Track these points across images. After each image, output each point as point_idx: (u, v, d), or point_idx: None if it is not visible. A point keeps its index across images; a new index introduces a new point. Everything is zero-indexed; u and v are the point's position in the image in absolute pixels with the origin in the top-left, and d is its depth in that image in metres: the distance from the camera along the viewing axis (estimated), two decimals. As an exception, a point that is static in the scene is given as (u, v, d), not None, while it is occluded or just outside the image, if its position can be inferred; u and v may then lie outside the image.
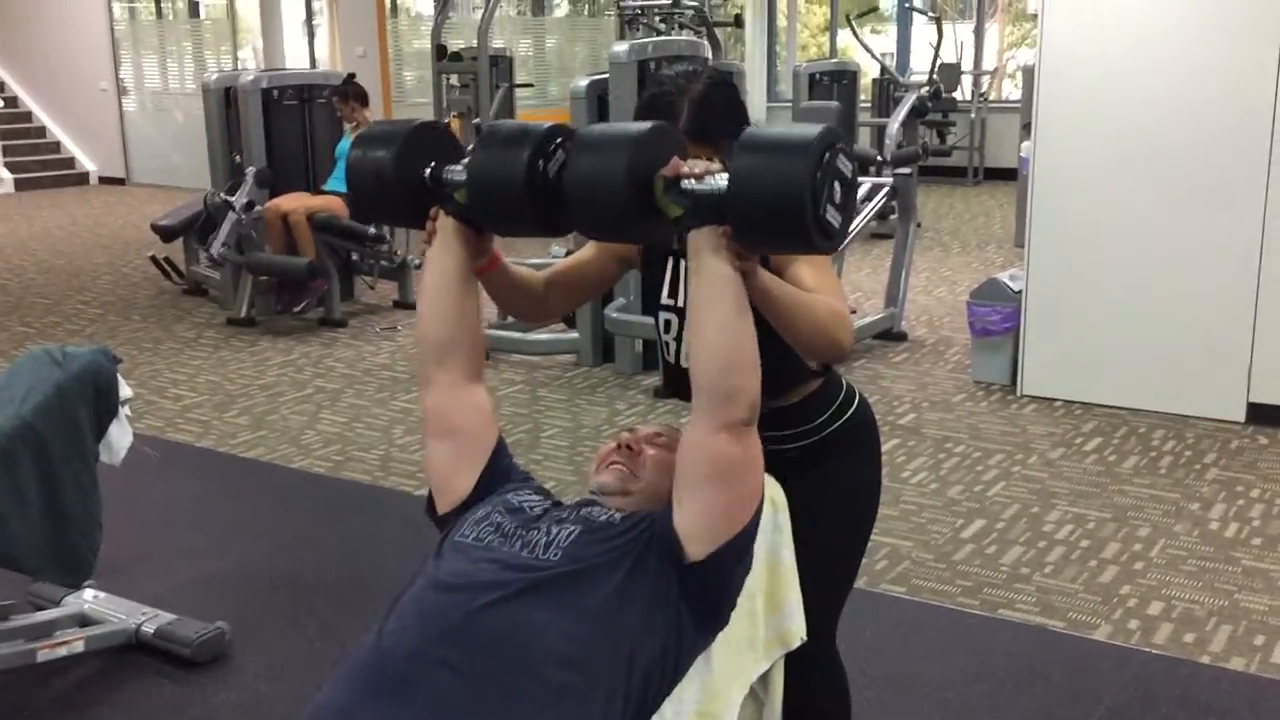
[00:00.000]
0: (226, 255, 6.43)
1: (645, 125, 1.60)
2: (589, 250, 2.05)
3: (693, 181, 1.54)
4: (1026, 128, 5.80)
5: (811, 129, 1.50)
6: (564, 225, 1.72)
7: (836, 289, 1.82)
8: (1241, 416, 4.56)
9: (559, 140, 1.68)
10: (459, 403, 1.78)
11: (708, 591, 1.60)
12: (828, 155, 1.47)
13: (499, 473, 1.79)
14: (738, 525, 1.59)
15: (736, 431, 1.55)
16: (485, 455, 1.78)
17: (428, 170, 1.76)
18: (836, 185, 1.49)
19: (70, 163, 13.64)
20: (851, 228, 5.62)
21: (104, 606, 3.03)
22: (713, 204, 1.52)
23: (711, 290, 1.55)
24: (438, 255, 1.79)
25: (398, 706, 1.42)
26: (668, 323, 2.00)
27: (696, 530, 1.57)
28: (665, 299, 1.99)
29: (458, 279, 1.78)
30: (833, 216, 1.49)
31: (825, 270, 1.82)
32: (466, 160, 1.74)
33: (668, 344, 2.01)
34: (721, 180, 1.52)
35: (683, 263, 1.91)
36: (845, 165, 1.52)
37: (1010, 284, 5.17)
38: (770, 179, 1.46)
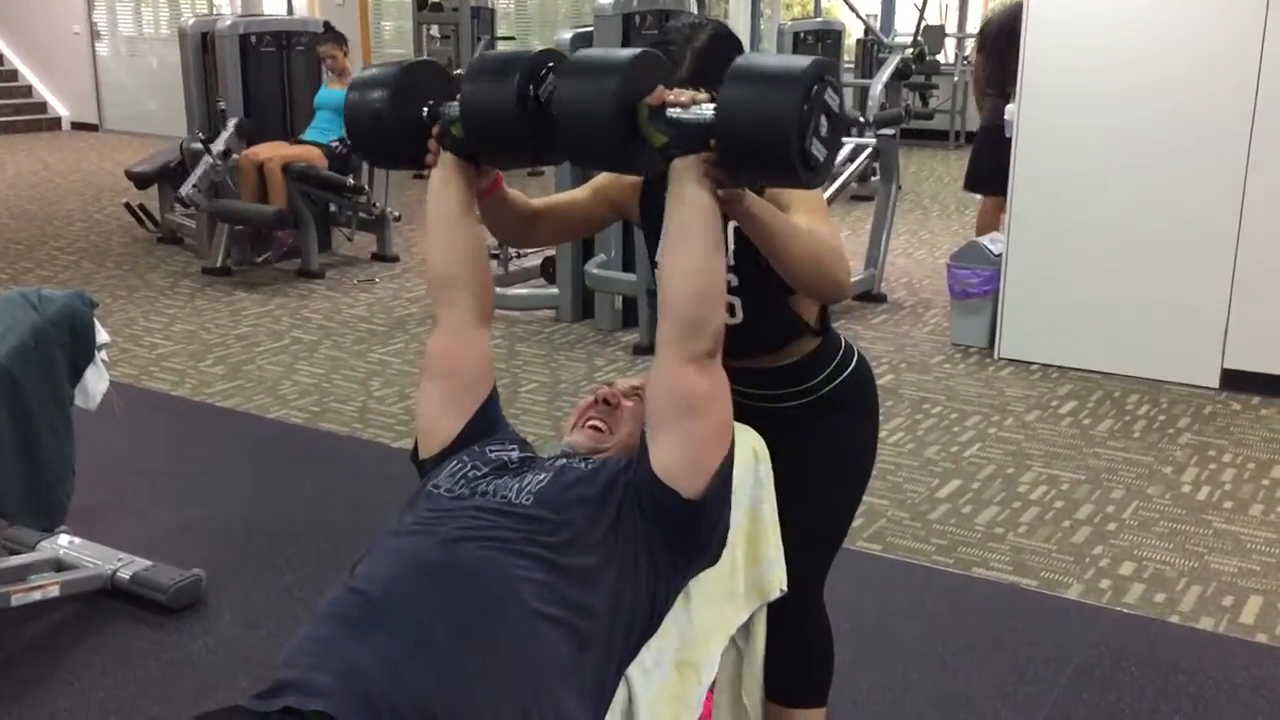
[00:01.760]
0: (194, 198, 6.34)
1: (633, 51, 1.59)
2: (584, 190, 2.05)
3: (678, 110, 1.53)
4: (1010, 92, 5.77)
5: (801, 60, 1.49)
6: (557, 154, 1.72)
7: (834, 233, 1.81)
8: (1216, 382, 4.60)
9: (549, 64, 1.67)
10: (462, 344, 1.78)
11: (700, 529, 1.61)
12: (816, 88, 1.46)
13: (487, 422, 1.79)
14: (716, 456, 1.60)
15: (702, 363, 1.56)
16: (477, 402, 1.78)
17: (425, 108, 1.75)
18: (824, 119, 1.48)
19: (42, 107, 13.44)
20: (838, 182, 5.61)
21: (79, 552, 3.01)
22: (698, 133, 1.51)
23: (690, 217, 1.55)
24: (438, 191, 1.79)
25: (378, 635, 1.41)
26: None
27: (678, 467, 1.57)
28: (659, 256, 1.98)
29: (459, 214, 1.78)
30: (818, 150, 1.49)
31: (822, 216, 1.81)
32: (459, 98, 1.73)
33: None
34: (708, 110, 1.51)
35: None
36: (833, 99, 1.51)
37: (990, 247, 5.19)
38: (758, 109, 1.44)
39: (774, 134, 1.44)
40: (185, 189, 6.36)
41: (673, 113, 1.53)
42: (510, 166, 1.84)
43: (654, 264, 1.98)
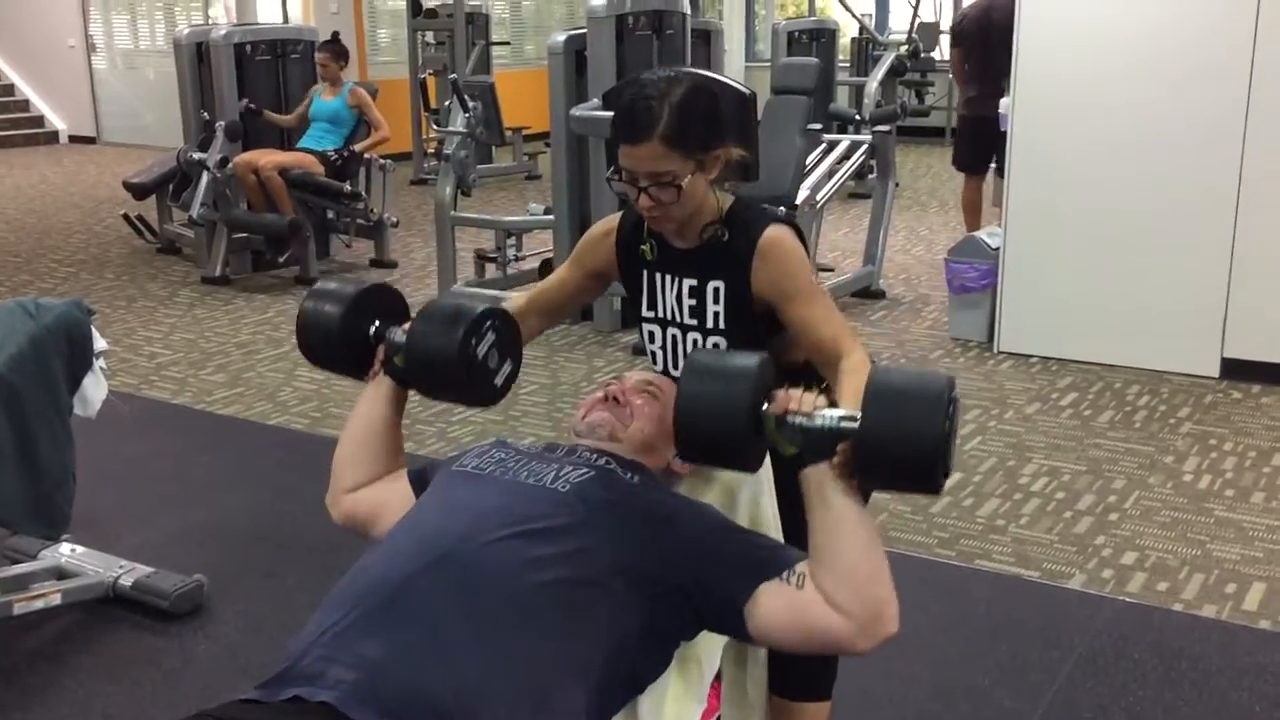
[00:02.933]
0: (207, 215, 6.36)
1: (755, 357, 1.57)
2: (567, 269, 2.08)
3: (802, 418, 1.51)
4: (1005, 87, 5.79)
5: (938, 378, 1.49)
6: (491, 398, 1.81)
7: (845, 325, 1.87)
8: (1216, 371, 4.60)
9: (489, 322, 1.76)
10: (366, 504, 1.79)
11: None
12: (952, 407, 1.47)
13: (428, 478, 1.76)
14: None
15: (878, 640, 1.49)
16: (408, 499, 1.75)
17: (373, 327, 1.85)
18: (952, 430, 1.48)
19: (39, 121, 13.45)
20: (834, 181, 5.61)
21: (81, 560, 3.01)
22: (826, 440, 1.50)
23: (840, 520, 1.49)
24: (369, 404, 1.85)
25: (393, 626, 1.40)
26: (651, 334, 2.02)
27: (763, 638, 1.55)
28: (645, 311, 2.01)
29: (384, 430, 1.84)
30: (954, 456, 1.50)
31: (829, 306, 1.88)
32: (406, 327, 1.81)
33: (654, 353, 2.02)
34: (833, 415, 1.50)
35: (658, 276, 1.97)
36: (959, 408, 1.52)
37: (988, 241, 5.19)
38: (904, 430, 1.44)
39: (924, 454, 1.44)
40: (195, 210, 6.36)
41: (795, 419, 1.52)
42: (442, 401, 1.99)
43: (641, 318, 2.01)
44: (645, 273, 1.98)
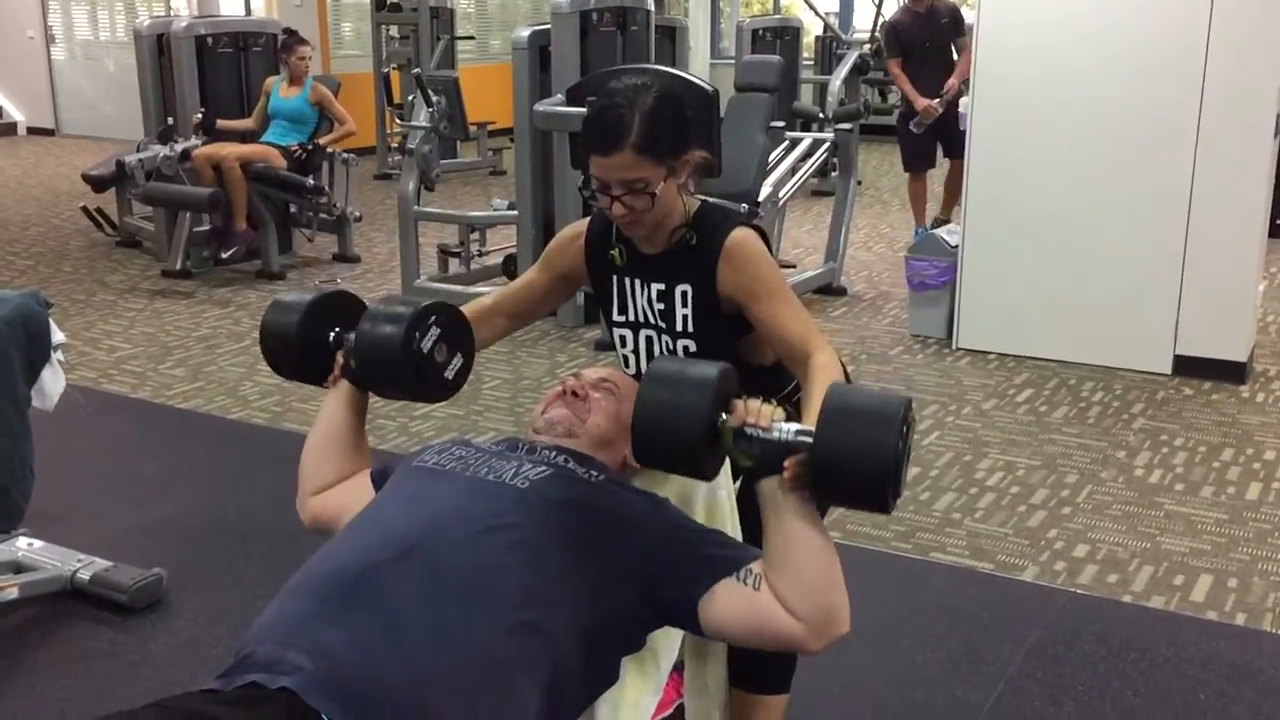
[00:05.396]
0: (134, 169, 6.33)
1: (716, 367, 1.58)
2: (536, 272, 2.10)
3: (758, 430, 1.53)
4: (965, 84, 5.86)
5: (895, 399, 1.50)
6: (442, 394, 1.86)
7: (812, 324, 1.90)
8: (1168, 368, 4.68)
9: (433, 318, 1.79)
10: (332, 507, 1.81)
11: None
12: (906, 428, 1.48)
13: (389, 475, 1.78)
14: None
15: (829, 640, 1.53)
16: (368, 493, 1.77)
17: (332, 334, 1.89)
18: (907, 450, 1.50)
19: (-3, 112, 13.27)
20: (796, 178, 5.66)
21: (38, 554, 2.99)
22: (780, 454, 1.52)
23: (793, 530, 1.51)
24: (330, 412, 1.89)
25: (354, 616, 1.40)
26: (622, 338, 2.03)
27: (716, 634, 1.58)
28: (616, 316, 2.02)
29: (347, 433, 1.88)
30: (904, 479, 1.51)
31: (796, 306, 1.90)
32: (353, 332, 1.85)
33: (626, 358, 2.04)
34: (788, 429, 1.52)
35: (628, 281, 1.98)
36: (913, 430, 1.54)
37: (948, 239, 5.24)
38: (859, 450, 1.45)
39: (874, 474, 1.45)
40: (129, 159, 6.31)
41: (751, 431, 1.53)
42: (396, 400, 2.03)
43: (611, 322, 2.02)
44: (615, 278, 2.00)
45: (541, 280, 2.10)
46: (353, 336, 1.85)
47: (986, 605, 2.97)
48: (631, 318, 2.01)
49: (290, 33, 6.80)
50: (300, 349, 1.89)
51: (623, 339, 2.03)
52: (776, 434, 1.53)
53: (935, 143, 6.83)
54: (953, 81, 6.57)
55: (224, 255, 6.54)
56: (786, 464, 1.51)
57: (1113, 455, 3.93)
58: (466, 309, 1.98)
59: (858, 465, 1.46)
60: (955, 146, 6.50)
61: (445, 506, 1.56)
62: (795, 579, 1.51)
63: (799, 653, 1.57)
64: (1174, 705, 2.55)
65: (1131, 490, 3.66)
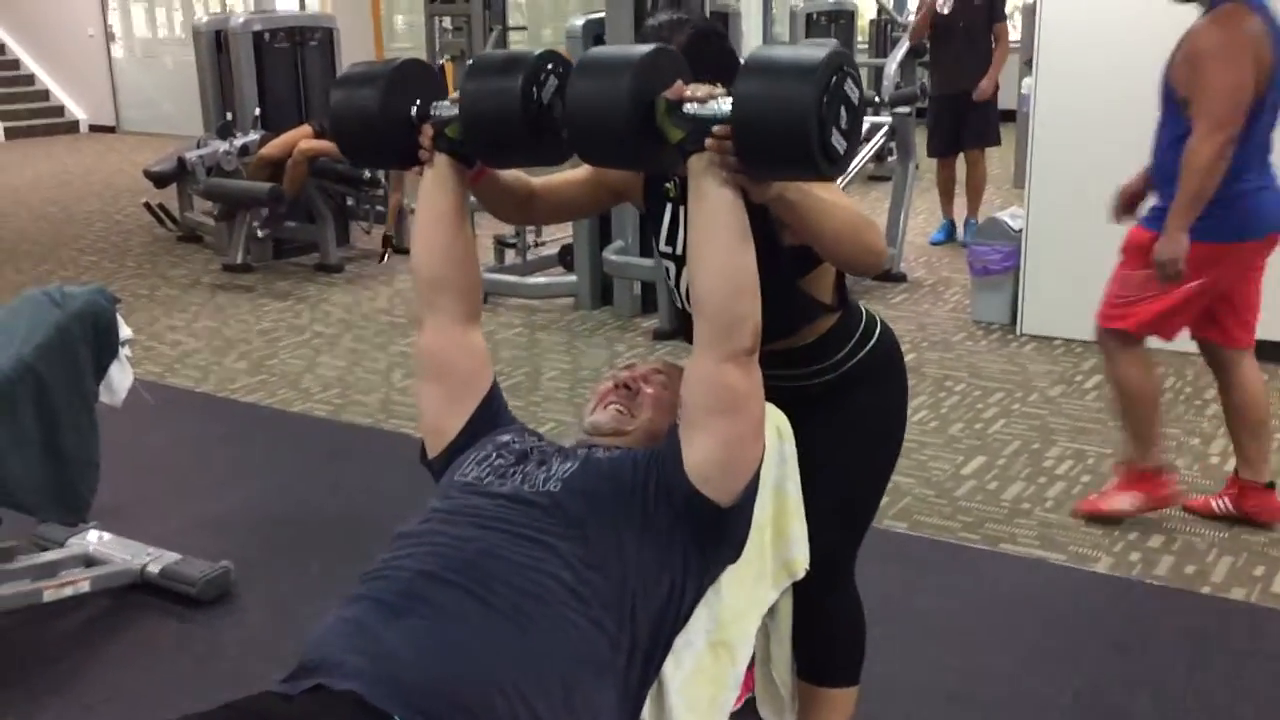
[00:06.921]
0: (195, 164, 6.37)
1: (648, 47, 1.56)
2: (583, 171, 2.00)
3: (695, 105, 1.50)
4: (1027, 65, 5.75)
5: (818, 51, 1.46)
6: (560, 154, 1.69)
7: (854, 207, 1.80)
8: (1241, 353, 4.54)
9: (550, 66, 1.65)
10: (452, 345, 1.76)
11: (731, 534, 1.61)
12: (835, 79, 1.43)
13: (490, 416, 1.78)
14: (753, 457, 1.59)
15: (741, 361, 1.53)
16: (477, 399, 1.77)
17: (414, 108, 1.73)
18: (843, 110, 1.45)
19: (60, 111, 13.52)
20: (854, 162, 5.59)
21: (108, 547, 3.03)
22: (715, 127, 1.49)
23: (713, 214, 1.51)
24: (430, 193, 1.77)
25: (411, 620, 1.41)
26: (668, 270, 1.98)
27: (714, 469, 1.55)
28: (664, 245, 1.97)
29: (451, 216, 1.77)
30: (838, 141, 1.45)
31: (838, 190, 1.79)
32: (457, 94, 1.70)
33: (672, 290, 2.00)
34: (725, 104, 1.49)
35: (682, 210, 1.89)
36: (852, 90, 1.47)
37: (1010, 223, 5.15)
38: (776, 103, 1.41)
39: (794, 128, 1.40)
40: (190, 154, 6.37)
41: (689, 108, 1.50)
42: (508, 167, 1.82)
43: (659, 252, 1.99)
44: (670, 206, 1.95)
45: (585, 182, 2.00)
46: (445, 105, 1.70)
47: (1060, 598, 2.91)
48: (679, 251, 1.93)
49: None
50: (383, 127, 1.71)
51: (667, 271, 1.98)
52: (712, 107, 1.49)
53: (959, 129, 6.62)
54: (985, 85, 6.43)
55: (260, 233, 6.49)
56: (717, 129, 1.47)
57: (1187, 442, 3.84)
58: (503, 184, 1.90)
59: (777, 118, 1.40)
60: (981, 134, 6.41)
61: (487, 520, 1.55)
62: (708, 276, 1.52)
63: (736, 389, 1.54)
64: (1258, 700, 2.48)
65: (1207, 478, 3.57)
